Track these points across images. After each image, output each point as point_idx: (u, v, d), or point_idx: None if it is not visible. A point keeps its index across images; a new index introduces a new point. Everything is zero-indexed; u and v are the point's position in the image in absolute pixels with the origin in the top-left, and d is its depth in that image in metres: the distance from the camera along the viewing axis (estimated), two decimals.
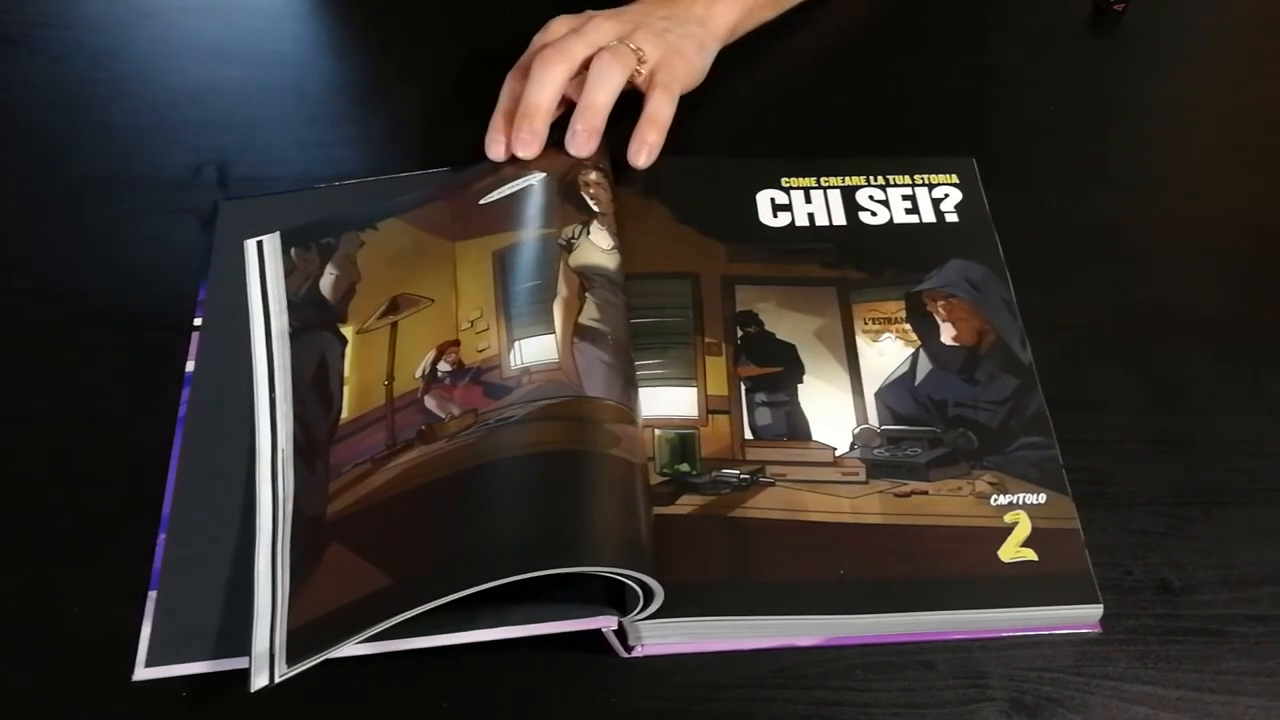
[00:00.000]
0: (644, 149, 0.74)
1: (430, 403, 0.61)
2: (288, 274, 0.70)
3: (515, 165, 0.72)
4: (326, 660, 0.53)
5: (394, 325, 0.66)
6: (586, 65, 0.73)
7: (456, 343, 0.63)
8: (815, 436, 0.63)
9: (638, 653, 0.58)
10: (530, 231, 0.68)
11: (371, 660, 0.55)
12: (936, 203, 0.74)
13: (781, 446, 0.63)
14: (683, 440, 0.63)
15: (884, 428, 0.64)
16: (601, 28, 0.74)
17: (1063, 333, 0.69)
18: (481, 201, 0.70)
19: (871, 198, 0.74)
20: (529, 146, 0.71)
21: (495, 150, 0.72)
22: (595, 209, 0.69)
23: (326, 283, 0.69)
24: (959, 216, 0.73)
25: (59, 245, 0.74)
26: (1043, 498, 0.61)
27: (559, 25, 0.76)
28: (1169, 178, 0.79)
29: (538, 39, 0.76)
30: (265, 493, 0.60)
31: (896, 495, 0.61)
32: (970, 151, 0.77)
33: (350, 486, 0.59)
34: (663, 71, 0.75)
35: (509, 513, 0.56)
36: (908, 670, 0.57)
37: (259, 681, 0.53)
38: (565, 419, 0.59)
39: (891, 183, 0.74)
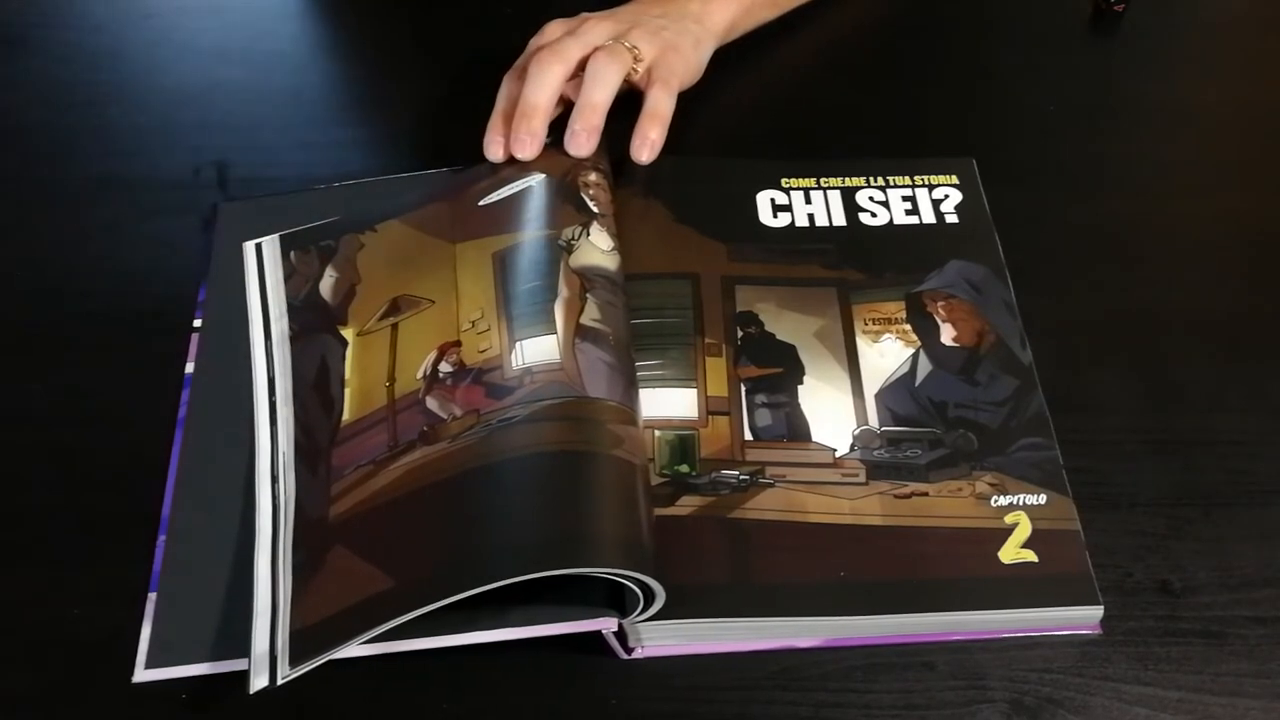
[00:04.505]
0: (646, 145, 0.74)
1: (432, 403, 0.61)
2: (287, 277, 0.70)
3: (515, 166, 0.72)
4: (326, 661, 0.53)
5: (395, 327, 0.65)
6: (583, 66, 0.73)
7: (458, 343, 0.63)
8: (815, 438, 0.63)
9: (638, 654, 0.57)
10: (530, 233, 0.68)
11: (372, 660, 0.55)
12: (936, 203, 0.74)
13: (781, 448, 0.63)
14: (682, 441, 0.63)
15: (884, 429, 0.64)
16: (597, 28, 0.75)
17: (1063, 333, 0.69)
18: (481, 203, 0.70)
19: (871, 199, 0.74)
20: (527, 147, 0.71)
21: (494, 151, 0.72)
22: (595, 210, 0.69)
23: (326, 285, 0.69)
24: (959, 217, 0.73)
25: (59, 246, 0.74)
26: (1043, 499, 0.61)
27: (554, 28, 0.76)
28: (1169, 178, 0.79)
29: (533, 42, 0.76)
30: (265, 496, 0.60)
31: (897, 496, 0.61)
32: (970, 152, 0.77)
33: (353, 488, 0.59)
34: (660, 68, 0.75)
35: (511, 514, 0.56)
36: (908, 671, 0.57)
37: (259, 683, 0.53)
38: (567, 419, 0.59)
39: (891, 184, 0.74)
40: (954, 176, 0.75)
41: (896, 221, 0.73)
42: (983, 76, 0.85)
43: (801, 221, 0.73)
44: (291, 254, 0.71)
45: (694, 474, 0.61)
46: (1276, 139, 0.81)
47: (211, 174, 0.78)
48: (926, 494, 0.61)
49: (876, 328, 0.67)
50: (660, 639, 0.57)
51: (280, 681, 0.52)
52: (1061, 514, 0.60)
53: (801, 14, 0.86)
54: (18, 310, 0.71)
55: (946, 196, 0.74)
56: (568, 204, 0.69)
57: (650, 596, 0.54)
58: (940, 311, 0.68)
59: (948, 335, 0.67)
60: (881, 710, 0.56)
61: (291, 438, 0.62)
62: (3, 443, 0.65)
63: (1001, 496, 0.61)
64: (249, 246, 0.71)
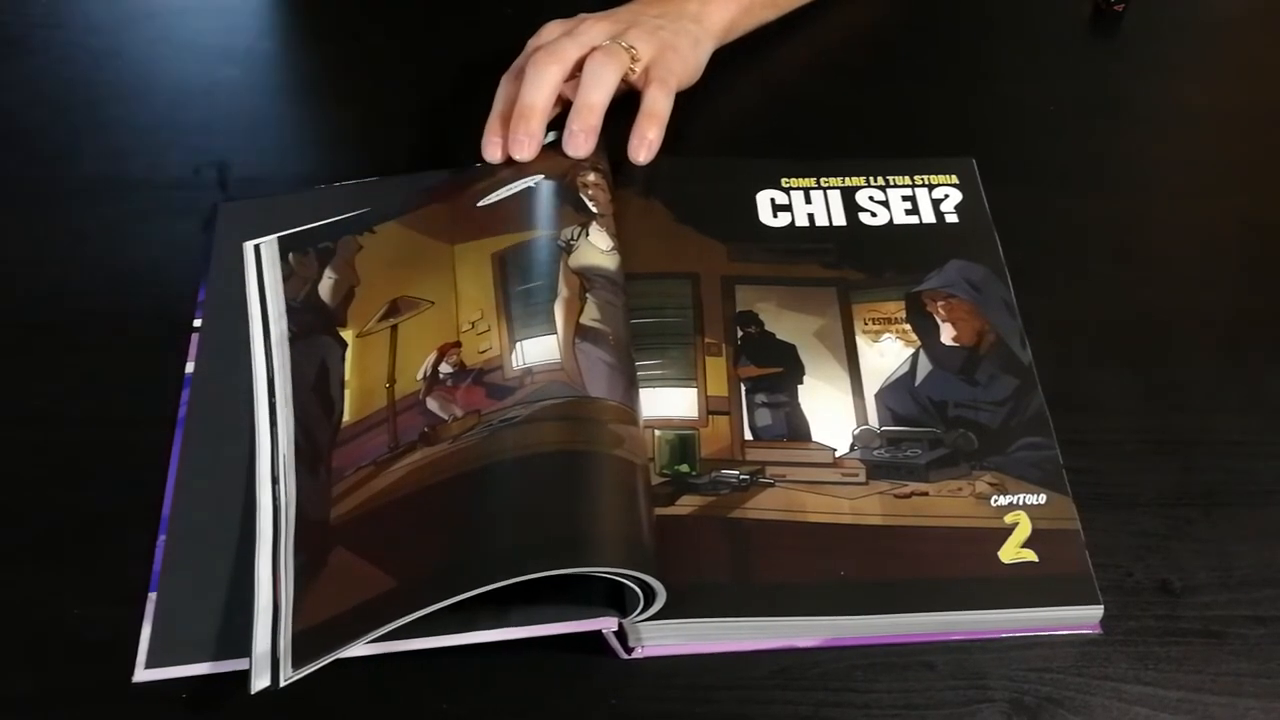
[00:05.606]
0: (643, 145, 0.74)
1: (432, 404, 0.61)
2: (286, 279, 0.70)
3: (513, 167, 0.72)
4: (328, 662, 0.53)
5: (394, 328, 0.65)
6: (581, 67, 0.73)
7: (458, 344, 0.63)
8: (815, 437, 0.63)
9: (638, 654, 0.57)
10: (529, 233, 0.68)
11: (371, 660, 0.55)
12: (936, 203, 0.74)
13: (781, 447, 0.63)
14: (682, 441, 0.63)
15: (884, 429, 0.64)
16: (594, 29, 0.75)
17: (1062, 333, 0.69)
18: (480, 204, 0.70)
19: (871, 198, 0.74)
20: (525, 148, 0.71)
21: (492, 153, 0.72)
22: (594, 210, 0.69)
23: (325, 287, 0.69)
24: (959, 217, 0.73)
25: (59, 246, 0.74)
26: (1043, 498, 0.61)
27: (551, 29, 0.76)
28: (1169, 178, 0.79)
29: (531, 43, 0.76)
30: (265, 497, 0.60)
31: (896, 496, 0.61)
32: (970, 152, 0.77)
33: (353, 490, 0.59)
34: (658, 67, 0.75)
35: (512, 514, 0.56)
36: (908, 671, 0.57)
37: (259, 683, 0.53)
38: (568, 419, 0.59)
39: (891, 183, 0.74)
40: (954, 176, 0.75)
41: (896, 221, 0.73)
42: (983, 76, 0.85)
43: (801, 221, 0.73)
44: (290, 255, 0.71)
45: (694, 474, 0.61)
46: (1276, 139, 0.81)
47: (211, 174, 0.78)
48: (926, 494, 0.61)
49: (876, 327, 0.67)
50: (660, 639, 0.57)
51: (283, 684, 0.52)
52: (1061, 514, 0.60)
53: (802, 14, 0.86)
54: (18, 310, 0.71)
55: (946, 196, 0.74)
56: (567, 204, 0.69)
57: (651, 596, 0.54)
58: (940, 311, 0.68)
59: (948, 335, 0.67)
60: (881, 710, 0.56)
61: (292, 439, 0.62)
62: (3, 442, 0.65)
63: (1001, 496, 0.61)
64: (248, 247, 0.71)
